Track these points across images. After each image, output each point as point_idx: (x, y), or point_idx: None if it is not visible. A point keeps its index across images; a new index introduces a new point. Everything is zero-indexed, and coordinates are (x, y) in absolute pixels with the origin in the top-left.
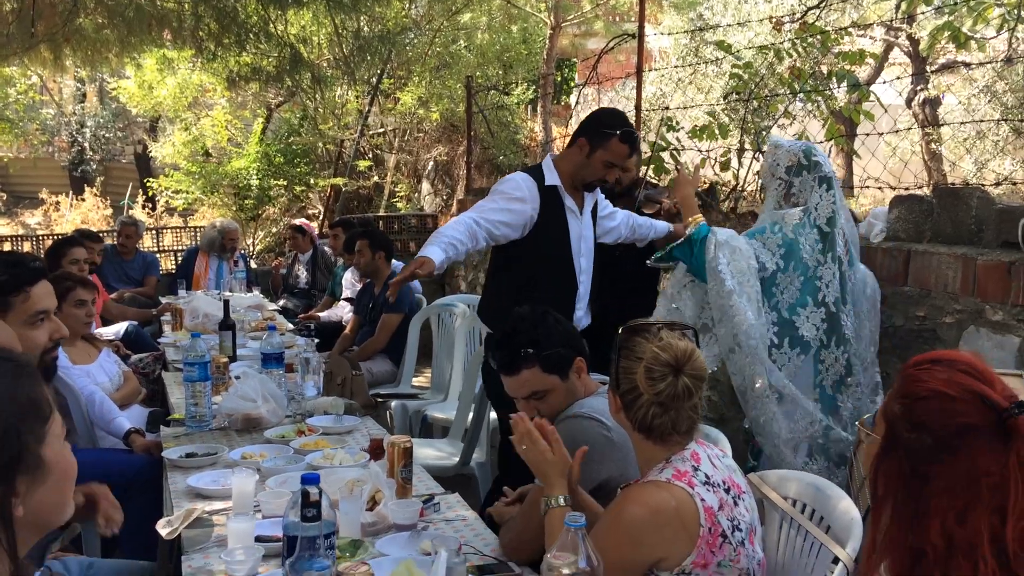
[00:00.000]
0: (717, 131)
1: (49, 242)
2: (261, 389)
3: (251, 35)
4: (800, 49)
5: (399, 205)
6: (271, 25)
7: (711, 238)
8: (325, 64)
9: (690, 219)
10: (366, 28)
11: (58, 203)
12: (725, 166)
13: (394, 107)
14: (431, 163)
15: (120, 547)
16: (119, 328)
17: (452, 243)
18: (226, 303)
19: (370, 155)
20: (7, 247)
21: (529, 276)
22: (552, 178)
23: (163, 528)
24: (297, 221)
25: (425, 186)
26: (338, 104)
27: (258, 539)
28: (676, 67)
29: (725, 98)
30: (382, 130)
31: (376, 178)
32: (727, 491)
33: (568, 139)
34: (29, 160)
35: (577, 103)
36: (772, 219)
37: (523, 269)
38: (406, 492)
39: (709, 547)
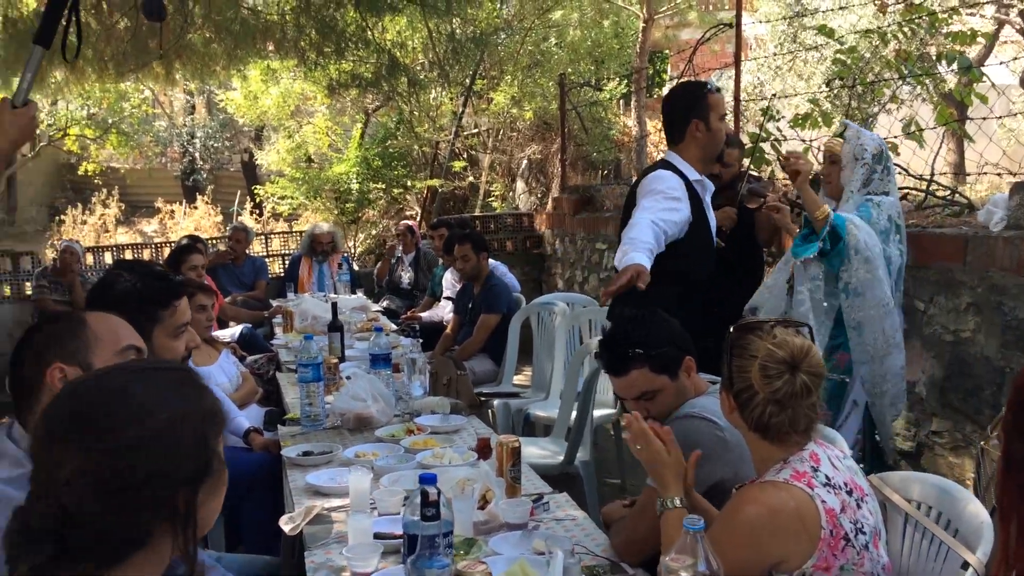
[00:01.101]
0: (820, 119)
1: (165, 250)
2: (371, 389)
3: (350, 43)
4: (906, 31)
5: (494, 204)
6: (368, 32)
7: (850, 223)
8: (420, 68)
9: (817, 212)
10: (459, 30)
11: (173, 211)
12: None
13: (487, 107)
14: (525, 162)
15: (242, 541)
16: (235, 331)
17: (650, 248)
18: (334, 306)
19: (465, 156)
20: (128, 255)
21: (690, 280)
22: (692, 173)
23: (286, 524)
24: (409, 222)
25: (519, 185)
26: (433, 106)
27: (376, 536)
28: (774, 55)
29: (828, 85)
30: (476, 130)
31: (471, 178)
32: (849, 493)
33: (664, 132)
34: (144, 171)
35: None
36: (862, 203)
37: (677, 276)
38: (515, 491)
39: (831, 550)
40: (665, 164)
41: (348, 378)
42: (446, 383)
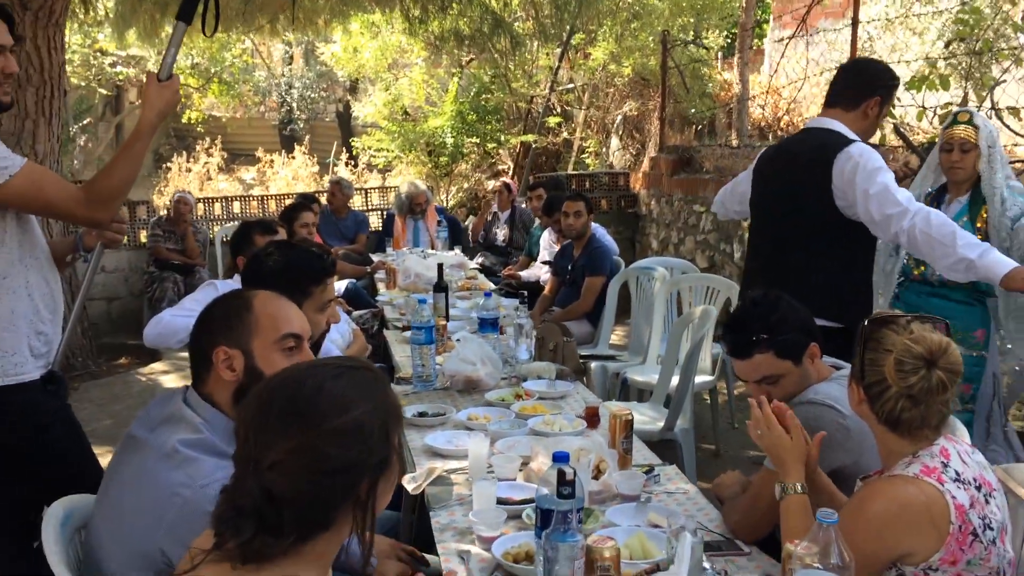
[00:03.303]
0: (938, 82)
1: (271, 203)
2: (480, 352)
3: (454, 1)
4: None
5: (588, 161)
6: None
7: None
8: (519, 21)
9: None
10: None
11: (272, 160)
12: (945, 120)
13: (584, 62)
14: (620, 118)
15: None
16: (340, 286)
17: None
18: (440, 266)
19: (559, 111)
20: (236, 207)
21: (869, 254)
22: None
23: (409, 483)
24: (506, 179)
25: (614, 142)
26: (529, 60)
27: (498, 501)
28: (886, 7)
29: (947, 46)
30: (571, 86)
31: (565, 134)
32: (978, 488)
33: (831, 92)
34: (244, 120)
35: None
36: (1006, 187)
37: (865, 248)
38: (626, 463)
39: (959, 544)
40: (841, 137)
41: (458, 340)
42: (552, 349)
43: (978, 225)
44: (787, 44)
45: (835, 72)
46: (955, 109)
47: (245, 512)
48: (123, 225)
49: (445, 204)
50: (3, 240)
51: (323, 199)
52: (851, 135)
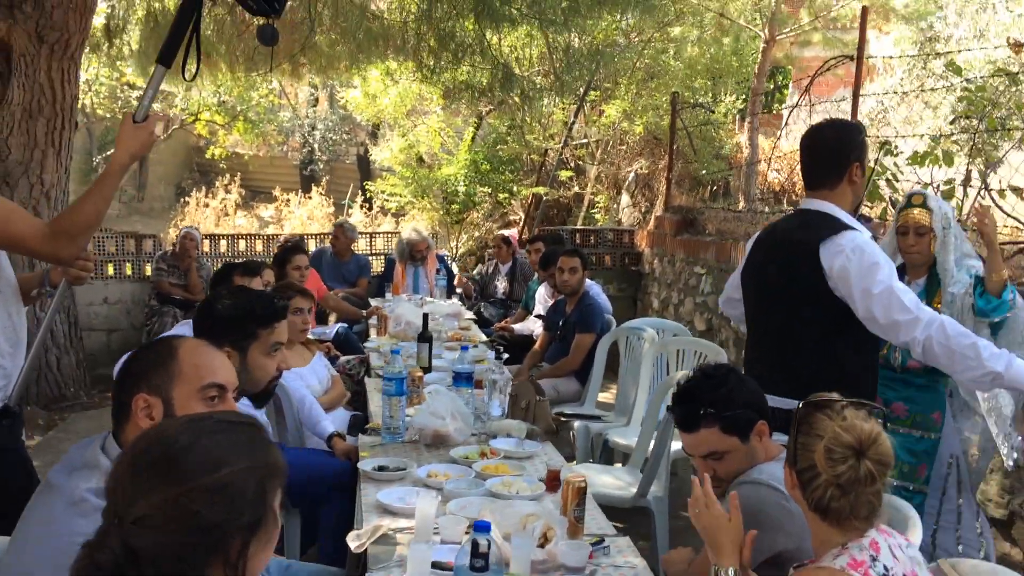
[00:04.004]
0: (941, 158)
1: (280, 239)
2: (451, 407)
3: (467, 52)
4: None
5: (597, 216)
6: (485, 43)
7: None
8: (534, 75)
9: (995, 276)
10: (576, 42)
11: (288, 200)
12: (948, 196)
13: (598, 119)
14: (632, 175)
15: (316, 542)
16: (331, 330)
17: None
18: (425, 316)
19: (572, 165)
20: (242, 245)
21: (868, 337)
22: (853, 221)
23: (353, 541)
24: (505, 232)
25: (624, 198)
26: (544, 115)
27: (434, 565)
28: (901, 80)
29: (952, 123)
30: (585, 141)
31: (576, 188)
32: None
33: (808, 173)
34: (266, 158)
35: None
36: (961, 268)
37: (860, 329)
38: (578, 531)
39: None
40: (835, 222)
41: (429, 393)
42: (524, 407)
43: (936, 306)
44: (798, 110)
45: (800, 153)
46: (912, 191)
47: (103, 567)
48: (88, 263)
49: (455, 252)
50: None
51: (327, 241)
52: (844, 217)
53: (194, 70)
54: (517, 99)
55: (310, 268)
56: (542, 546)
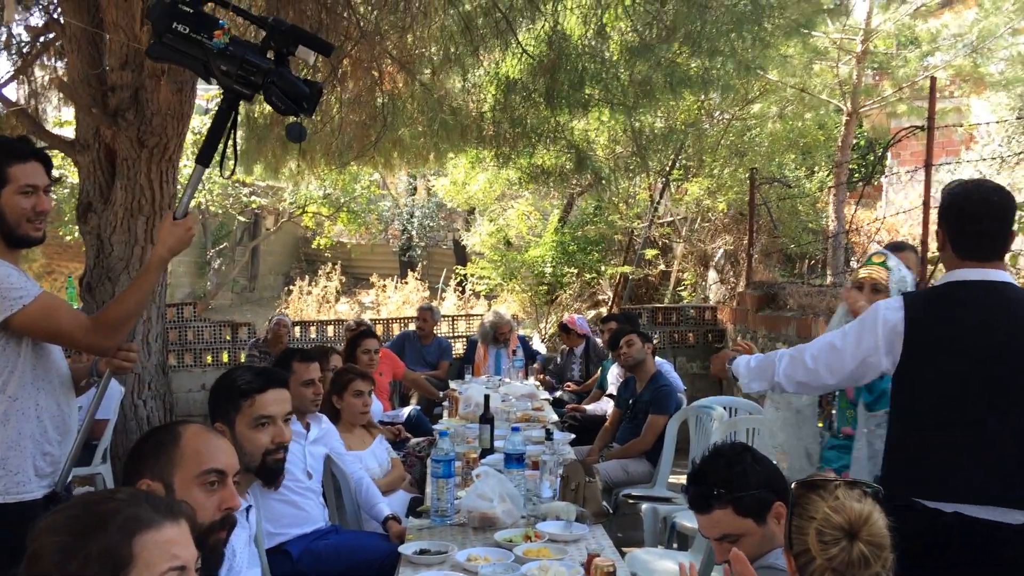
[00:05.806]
0: None
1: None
2: (499, 489)
3: (541, 138)
4: None
5: (683, 294)
6: (558, 128)
7: None
8: (612, 157)
9: None
10: (659, 122)
11: (384, 285)
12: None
13: (682, 197)
14: (720, 251)
15: None
16: (403, 412)
17: None
18: (487, 397)
19: (659, 243)
20: (330, 331)
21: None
22: None
23: None
24: (565, 318)
25: (712, 274)
26: (626, 195)
27: None
28: (999, 146)
29: None
30: (670, 219)
31: (663, 266)
32: None
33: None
34: (367, 246)
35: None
36: None
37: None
38: None
39: None
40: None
41: (477, 476)
42: (574, 488)
43: None
44: (892, 179)
45: (974, 222)
46: (875, 250)
47: None
48: (131, 353)
49: (544, 333)
50: (16, 364)
51: (412, 325)
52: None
53: (231, 167)
54: (590, 181)
55: (380, 350)
56: None
